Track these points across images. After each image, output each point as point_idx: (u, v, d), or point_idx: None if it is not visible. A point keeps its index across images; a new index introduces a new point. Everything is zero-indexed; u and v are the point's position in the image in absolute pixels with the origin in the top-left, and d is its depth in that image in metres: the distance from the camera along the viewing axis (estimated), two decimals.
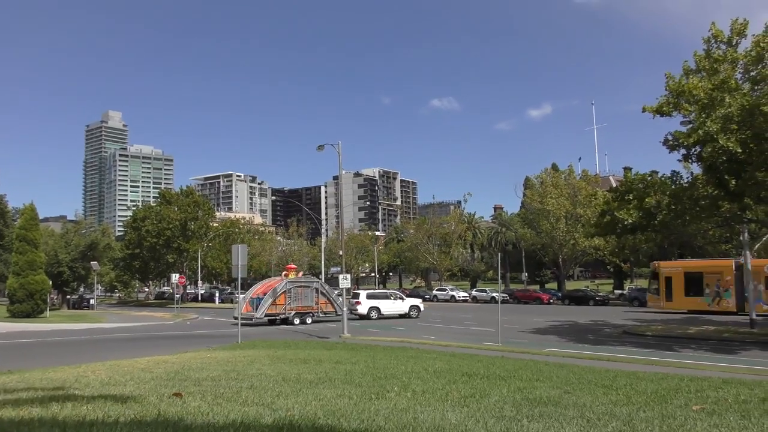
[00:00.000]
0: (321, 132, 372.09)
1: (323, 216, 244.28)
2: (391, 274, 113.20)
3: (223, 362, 13.96)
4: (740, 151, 24.07)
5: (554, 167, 78.82)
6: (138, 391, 8.31)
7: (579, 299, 61.96)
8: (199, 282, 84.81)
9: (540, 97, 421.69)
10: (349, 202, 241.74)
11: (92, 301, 68.84)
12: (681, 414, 6.51)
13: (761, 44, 25.71)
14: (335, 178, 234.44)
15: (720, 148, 24.20)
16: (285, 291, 39.08)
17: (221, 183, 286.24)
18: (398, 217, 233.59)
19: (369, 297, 44.68)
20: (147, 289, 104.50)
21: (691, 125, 26.79)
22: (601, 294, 65.68)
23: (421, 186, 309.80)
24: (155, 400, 7.32)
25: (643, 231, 31.23)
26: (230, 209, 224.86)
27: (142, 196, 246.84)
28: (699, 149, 25.92)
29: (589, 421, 5.87)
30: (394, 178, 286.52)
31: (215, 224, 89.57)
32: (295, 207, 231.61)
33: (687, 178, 30.40)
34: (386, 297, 45.57)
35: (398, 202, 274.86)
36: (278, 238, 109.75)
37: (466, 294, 74.32)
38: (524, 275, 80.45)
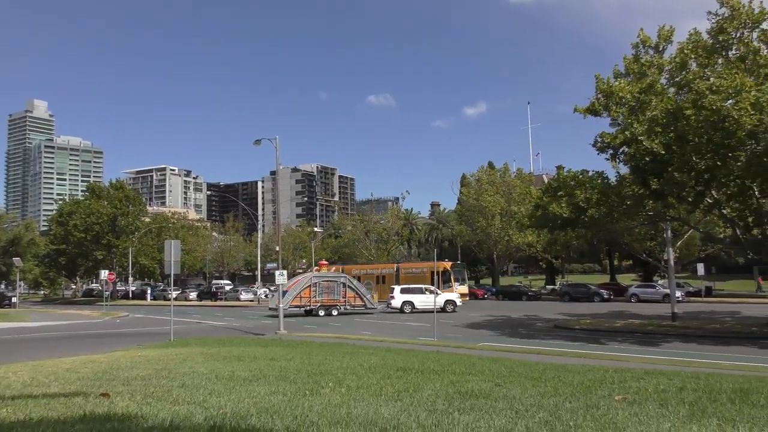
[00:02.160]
0: (258, 126, 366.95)
1: (260, 211, 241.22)
2: None
3: (153, 361, 13.64)
4: (663, 152, 25.18)
5: (490, 165, 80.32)
6: (63, 391, 8.04)
7: (513, 294, 63.32)
8: (130, 278, 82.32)
9: (475, 95, 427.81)
10: (286, 198, 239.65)
11: (14, 299, 65.70)
12: (604, 404, 6.79)
13: (685, 51, 26.97)
14: (272, 173, 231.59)
15: (644, 149, 25.26)
16: (310, 285, 41.70)
17: (154, 177, 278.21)
18: (336, 213, 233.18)
19: (403, 291, 46.04)
20: (74, 287, 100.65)
21: (619, 126, 27.85)
22: (533, 289, 67.34)
23: (359, 182, 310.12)
24: (81, 400, 7.10)
25: (574, 227, 32.32)
26: (164, 204, 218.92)
27: (70, 189, 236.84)
28: (625, 150, 26.95)
29: (517, 413, 6.05)
30: (333, 174, 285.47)
31: (147, 219, 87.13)
32: (231, 202, 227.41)
33: (615, 177, 31.60)
34: (421, 291, 46.18)
35: (336, 198, 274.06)
36: (214, 233, 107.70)
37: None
38: None
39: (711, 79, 25.12)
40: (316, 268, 46.64)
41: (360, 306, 43.90)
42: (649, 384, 8.77)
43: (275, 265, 49.45)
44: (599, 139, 28.22)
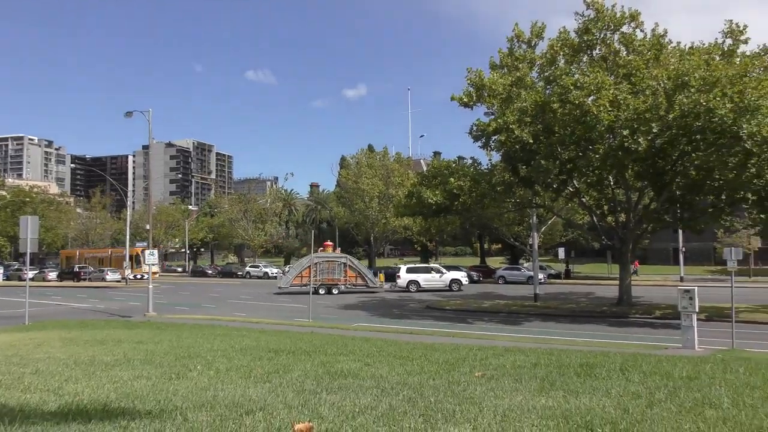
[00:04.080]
0: (129, 97, 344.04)
1: (131, 188, 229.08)
2: (203, 249, 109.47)
3: (3, 346, 12.69)
4: (531, 141, 26.66)
5: (370, 148, 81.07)
6: None
7: (388, 276, 64.52)
8: None
9: (356, 78, 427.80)
10: (159, 174, 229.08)
11: None
12: (465, 380, 7.15)
13: (555, 48, 28.56)
14: (145, 147, 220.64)
15: (515, 137, 26.60)
16: (311, 265, 42.54)
17: (9, 146, 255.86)
18: (213, 191, 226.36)
19: (409, 271, 47.18)
20: None
21: (493, 116, 29.10)
22: None
23: (237, 160, 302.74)
24: None
25: (447, 212, 33.47)
26: (20, 176, 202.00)
27: None
28: (498, 138, 28.23)
29: (383, 391, 6.23)
30: (210, 151, 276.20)
31: (2, 192, 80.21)
32: (98, 177, 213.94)
33: (487, 165, 33.04)
34: (427, 271, 47.36)
35: (213, 176, 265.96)
36: (78, 209, 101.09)
37: (279, 271, 74.17)
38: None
39: (576, 75, 26.79)
40: (321, 248, 48.07)
41: (362, 285, 45.35)
42: (507, 361, 9.33)
43: (145, 243, 47.35)
44: (474, 127, 29.36)
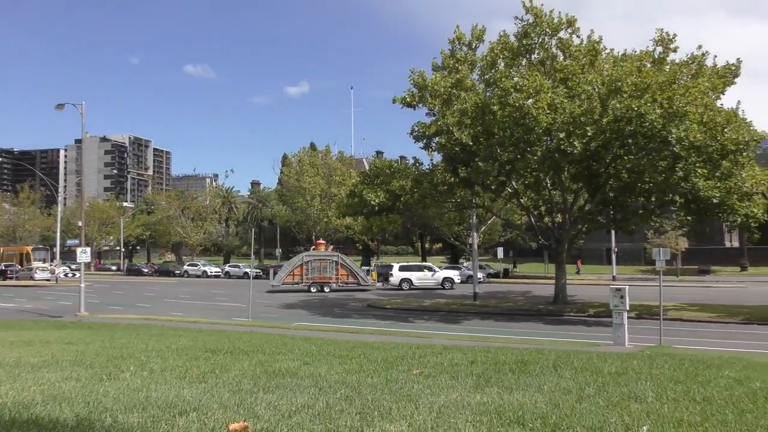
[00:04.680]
0: (61, 89, 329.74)
1: (62, 183, 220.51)
2: (138, 247, 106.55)
3: None
4: (471, 143, 27.08)
5: (312, 146, 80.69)
6: None
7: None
8: None
9: (298, 74, 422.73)
10: (93, 169, 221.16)
11: None
12: (403, 378, 7.21)
13: (495, 51, 29.06)
14: (78, 141, 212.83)
15: (455, 139, 26.96)
16: (302, 264, 44.19)
17: None
18: (149, 187, 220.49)
19: (401, 269, 47.35)
20: None
21: (434, 117, 29.40)
22: None
23: (175, 156, 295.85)
24: None
25: (389, 212, 33.63)
26: None
27: None
28: (438, 140, 28.55)
29: (321, 389, 6.23)
30: (147, 147, 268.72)
31: None
32: (27, 171, 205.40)
33: (429, 165, 33.36)
34: (419, 269, 47.79)
35: (150, 172, 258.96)
36: (5, 205, 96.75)
37: (218, 269, 72.97)
38: (278, 251, 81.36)
39: (515, 78, 27.34)
40: (313, 247, 49.09)
41: (353, 283, 45.44)
42: (445, 358, 9.46)
43: (77, 241, 45.79)
44: (415, 128, 29.60)
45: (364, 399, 5.55)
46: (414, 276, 46.76)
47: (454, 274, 48.80)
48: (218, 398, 5.69)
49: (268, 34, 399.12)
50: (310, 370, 8.10)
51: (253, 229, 46.41)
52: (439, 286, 45.90)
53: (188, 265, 74.60)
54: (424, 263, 52.90)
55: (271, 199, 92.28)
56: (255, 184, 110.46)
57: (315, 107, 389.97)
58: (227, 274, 70.65)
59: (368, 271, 52.03)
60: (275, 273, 47.70)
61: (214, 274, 71.07)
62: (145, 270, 77.03)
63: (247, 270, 62.91)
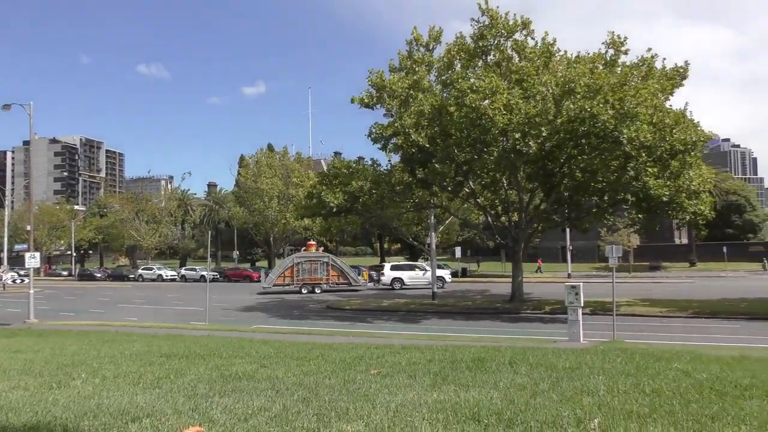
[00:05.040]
0: (7, 88, 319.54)
1: (9, 186, 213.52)
2: (91, 252, 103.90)
3: None
4: (428, 145, 27.26)
5: (270, 147, 79.98)
6: None
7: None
8: None
9: (254, 75, 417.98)
10: (42, 172, 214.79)
11: None
12: (361, 378, 7.22)
13: (452, 52, 29.29)
14: (26, 143, 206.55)
15: (412, 141, 27.09)
16: (293, 265, 44.60)
17: None
18: (102, 190, 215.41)
19: (393, 269, 47.56)
20: None
21: (392, 118, 29.48)
22: None
23: (129, 158, 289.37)
24: None
25: (348, 213, 33.60)
26: None
27: None
28: (395, 141, 28.64)
29: (278, 392, 6.19)
30: (99, 148, 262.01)
31: None
32: None
33: (387, 166, 33.42)
34: (411, 268, 47.64)
35: (102, 174, 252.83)
36: None
37: (174, 273, 71.68)
38: (236, 253, 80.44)
39: (472, 79, 27.59)
40: (304, 248, 49.43)
41: (344, 284, 45.15)
42: (403, 358, 9.50)
43: (26, 246, 44.38)
44: (373, 130, 29.63)
45: (321, 400, 5.54)
46: (405, 275, 46.72)
47: (444, 273, 48.48)
48: (172, 403, 5.61)
49: (224, 33, 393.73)
50: (267, 373, 8.04)
51: (209, 232, 45.69)
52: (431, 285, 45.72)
53: (143, 269, 73.05)
54: (415, 263, 52.90)
55: (228, 201, 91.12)
56: (212, 185, 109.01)
57: (272, 108, 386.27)
58: (183, 278, 69.50)
59: (359, 271, 51.83)
60: (266, 275, 48.08)
61: (170, 277, 69.78)
62: (98, 275, 75.18)
63: (204, 273, 62.06)
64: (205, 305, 27.08)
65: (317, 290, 44.81)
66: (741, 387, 6.36)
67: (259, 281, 64.31)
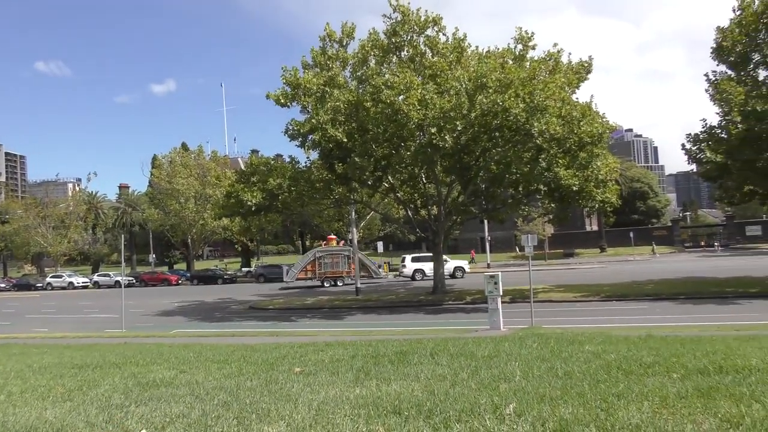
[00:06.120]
0: None
1: None
2: None
3: None
4: (346, 140, 27.26)
5: (184, 146, 77.77)
6: None
7: (208, 279, 62.64)
8: None
9: (163, 72, 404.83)
10: None
11: None
12: (283, 378, 7.17)
13: (366, 48, 29.37)
14: None
15: (329, 136, 27.02)
16: (314, 259, 45.93)
17: None
18: (2, 195, 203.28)
19: (414, 260, 48.19)
20: None
21: (308, 115, 29.27)
22: (229, 272, 67.41)
23: (32, 161, 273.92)
24: None
25: (267, 211, 33.17)
26: None
27: None
28: (313, 137, 28.48)
29: (197, 397, 6.05)
30: None
31: None
32: None
33: (305, 163, 33.19)
34: (430, 260, 44.26)
35: (2, 179, 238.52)
36: None
37: (87, 280, 68.66)
38: (152, 257, 77.82)
39: (386, 75, 27.80)
40: (325, 242, 50.19)
41: (365, 276, 45.52)
42: (326, 355, 9.49)
43: None
44: (290, 127, 29.36)
45: (242, 403, 5.46)
46: (427, 267, 46.44)
47: (463, 264, 49.33)
48: (85, 416, 5.38)
49: (128, 30, 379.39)
50: (186, 378, 7.85)
51: (123, 235, 43.98)
52: (451, 275, 46.05)
53: (51, 277, 69.47)
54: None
55: (141, 202, 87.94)
56: (123, 187, 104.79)
57: (185, 106, 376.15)
58: (96, 284, 66.71)
59: (380, 264, 52.52)
60: (287, 271, 49.33)
61: (81, 284, 66.81)
62: (2, 285, 70.93)
63: (119, 278, 59.73)
64: (121, 311, 26.13)
65: (339, 283, 46.29)
66: (645, 365, 6.74)
67: (177, 284, 62.74)
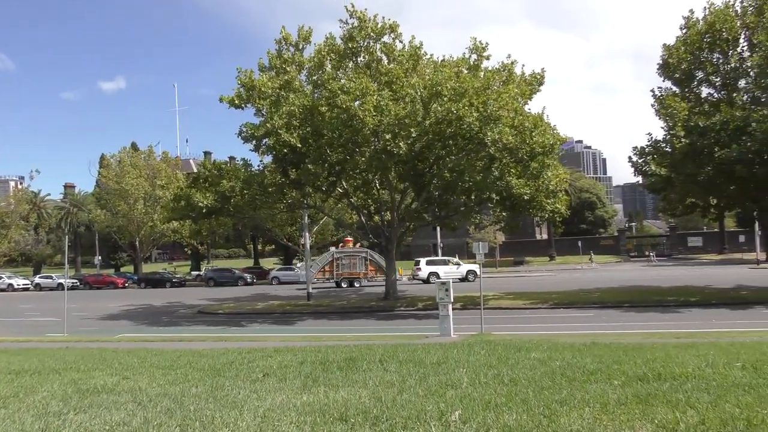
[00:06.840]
0: None
1: None
2: None
3: None
4: (300, 145, 27.13)
5: (133, 146, 76.04)
6: None
7: (156, 282, 61.39)
8: None
9: (112, 69, 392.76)
10: None
11: None
12: (229, 384, 7.06)
13: (322, 53, 29.30)
14: None
15: (284, 141, 26.85)
16: (333, 260, 46.48)
17: None
18: None
19: (428, 263, 48.63)
20: None
21: (263, 118, 29.01)
22: (178, 276, 66.15)
23: None
24: None
25: (219, 214, 32.71)
26: None
27: None
28: (267, 141, 28.25)
29: (140, 404, 5.91)
30: None
31: None
32: None
33: (259, 166, 32.87)
34: (445, 263, 49.27)
35: None
36: None
37: (28, 282, 66.26)
38: (98, 259, 75.58)
39: (342, 80, 27.80)
40: (341, 244, 51.30)
41: (382, 278, 43.73)
42: (275, 361, 9.40)
43: None
44: (244, 129, 29.03)
45: (186, 410, 5.36)
46: (441, 270, 47.24)
47: (475, 267, 47.89)
48: (20, 425, 5.20)
49: (75, 24, 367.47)
50: (129, 385, 7.65)
51: (67, 236, 42.64)
52: (464, 278, 46.69)
53: None
54: (449, 257, 53.24)
55: (88, 203, 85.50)
56: (69, 187, 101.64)
57: (135, 105, 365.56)
58: (38, 286, 64.47)
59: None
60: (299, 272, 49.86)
61: (22, 287, 64.38)
62: None
63: (62, 281, 57.86)
64: (63, 315, 25.32)
65: (356, 284, 46.97)
66: (588, 372, 6.89)
67: (124, 288, 61.17)
